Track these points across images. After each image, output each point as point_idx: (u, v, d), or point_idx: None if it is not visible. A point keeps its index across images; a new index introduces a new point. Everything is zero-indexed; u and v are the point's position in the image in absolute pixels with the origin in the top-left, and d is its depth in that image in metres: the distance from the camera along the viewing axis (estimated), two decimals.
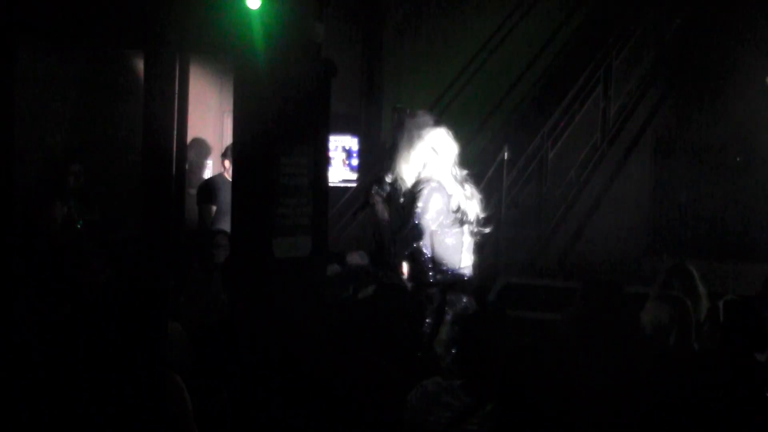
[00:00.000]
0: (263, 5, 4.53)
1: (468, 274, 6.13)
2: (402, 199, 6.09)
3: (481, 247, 6.36)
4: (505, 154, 9.87)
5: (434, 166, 6.03)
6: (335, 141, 10.40)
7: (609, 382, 3.47)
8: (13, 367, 4.14)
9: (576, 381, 3.34)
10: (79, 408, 3.74)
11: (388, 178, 6.14)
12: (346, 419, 2.98)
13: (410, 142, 6.07)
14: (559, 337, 4.43)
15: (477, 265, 6.22)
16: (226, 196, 7.36)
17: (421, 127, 6.11)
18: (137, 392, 3.78)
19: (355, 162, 10.79)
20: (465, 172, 6.19)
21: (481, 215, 6.16)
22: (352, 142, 10.75)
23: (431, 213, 5.94)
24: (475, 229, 6.13)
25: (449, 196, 6.02)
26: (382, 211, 6.08)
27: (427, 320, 5.93)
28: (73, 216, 7.92)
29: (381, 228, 6.06)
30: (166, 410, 3.88)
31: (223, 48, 4.94)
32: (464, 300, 6.02)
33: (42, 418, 3.82)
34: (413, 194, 6.00)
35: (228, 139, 8.56)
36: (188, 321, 5.99)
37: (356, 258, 5.86)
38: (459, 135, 10.76)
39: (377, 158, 11.02)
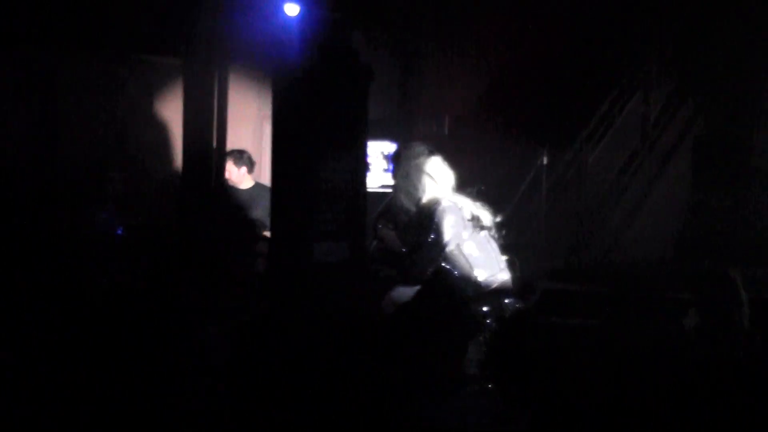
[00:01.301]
0: (301, 13, 4.56)
1: (506, 278, 6.13)
2: (409, 226, 6.16)
3: (516, 253, 6.35)
4: (544, 159, 9.84)
5: (433, 192, 6.12)
6: (374, 146, 10.41)
7: (648, 390, 3.44)
8: (53, 371, 4.18)
9: (613, 388, 3.32)
10: (116, 410, 3.77)
11: (389, 213, 6.22)
12: (385, 420, 2.98)
13: (408, 173, 6.15)
14: (596, 345, 4.40)
15: (516, 266, 6.22)
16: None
17: (416, 157, 6.20)
18: (174, 394, 3.80)
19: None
20: (469, 190, 6.24)
21: (495, 219, 6.21)
22: (391, 148, 10.75)
23: (448, 232, 6.01)
24: (495, 234, 6.17)
25: (460, 209, 6.08)
26: (394, 240, 6.14)
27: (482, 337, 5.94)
28: (112, 222, 7.98)
29: (397, 257, 6.12)
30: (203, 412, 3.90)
31: (261, 55, 4.97)
32: (512, 305, 6.03)
33: (75, 420, 3.85)
34: (423, 216, 6.06)
35: (267, 147, 8.60)
36: (227, 324, 6.02)
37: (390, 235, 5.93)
38: (497, 140, 10.81)
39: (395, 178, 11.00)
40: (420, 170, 6.14)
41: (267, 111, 8.62)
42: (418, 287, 6.18)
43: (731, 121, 12.16)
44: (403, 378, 3.06)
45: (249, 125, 9.89)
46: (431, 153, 6.23)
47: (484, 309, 6.00)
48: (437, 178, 6.15)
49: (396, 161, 6.22)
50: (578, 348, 3.69)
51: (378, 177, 10.52)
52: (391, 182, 10.48)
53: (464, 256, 6.03)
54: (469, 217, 6.09)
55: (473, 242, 6.04)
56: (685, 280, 8.93)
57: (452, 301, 5.93)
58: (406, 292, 6.23)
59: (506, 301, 6.03)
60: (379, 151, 10.60)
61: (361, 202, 4.87)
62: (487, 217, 6.14)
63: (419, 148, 6.27)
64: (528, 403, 3.64)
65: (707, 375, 3.54)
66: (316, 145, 4.59)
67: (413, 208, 6.14)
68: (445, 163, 6.25)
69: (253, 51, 5.71)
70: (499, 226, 6.24)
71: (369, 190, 5.50)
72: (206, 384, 4.02)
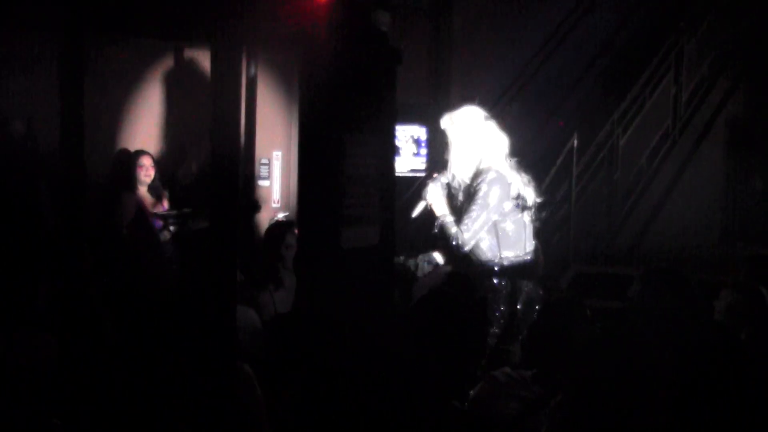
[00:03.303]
0: None
1: (530, 260, 6.08)
2: (461, 195, 6.08)
3: (547, 235, 6.32)
4: (575, 142, 9.77)
5: (488, 158, 6.01)
6: (403, 131, 10.38)
7: (676, 372, 3.41)
8: (87, 359, 4.21)
9: (645, 371, 3.29)
10: (149, 398, 3.79)
11: (444, 178, 6.14)
12: (416, 409, 2.98)
13: (463, 138, 6.06)
14: (628, 327, 4.38)
15: (539, 251, 6.17)
16: None
17: (472, 121, 6.10)
18: (208, 382, 3.81)
19: (423, 152, 10.77)
20: (515, 159, 6.16)
21: (538, 200, 6.13)
22: (420, 132, 10.72)
23: (493, 203, 5.92)
24: (534, 215, 6.10)
25: (509, 185, 5.99)
26: (441, 204, 6.07)
27: (497, 313, 5.91)
28: (144, 208, 8.02)
29: (443, 226, 6.05)
30: (237, 401, 3.91)
31: (289, 39, 4.95)
32: (527, 287, 5.98)
33: (113, 408, 3.87)
34: (472, 187, 5.98)
35: (296, 133, 8.60)
36: (262, 310, 6.03)
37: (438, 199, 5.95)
38: (529, 123, 10.75)
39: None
40: (475, 135, 6.05)
41: (295, 99, 8.65)
42: (443, 276, 6.17)
43: (766, 101, 12.05)
44: (430, 363, 3.06)
45: (278, 113, 9.90)
46: (487, 118, 6.13)
47: (502, 289, 5.97)
48: (492, 145, 6.04)
49: (449, 124, 6.14)
50: (610, 330, 3.67)
51: (407, 161, 10.51)
52: (423, 165, 10.58)
53: (497, 232, 5.97)
54: (515, 194, 5.99)
55: (510, 220, 5.97)
56: (719, 261, 8.89)
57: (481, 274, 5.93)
58: (431, 279, 6.22)
59: (526, 285, 5.98)
60: (408, 136, 10.58)
61: (390, 186, 4.85)
62: (531, 196, 6.05)
63: (476, 112, 6.17)
64: (559, 385, 3.63)
65: (735, 358, 3.50)
66: (344, 129, 4.57)
67: (467, 174, 6.05)
68: (499, 127, 6.14)
69: (280, 35, 5.71)
70: (539, 207, 6.16)
71: (398, 174, 5.48)
72: (238, 372, 4.03)
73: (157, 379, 3.90)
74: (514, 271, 5.97)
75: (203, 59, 9.21)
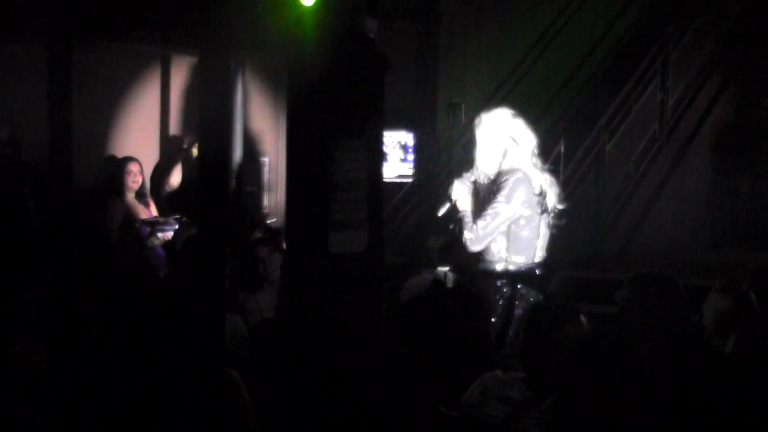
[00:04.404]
0: (317, 1, 4.55)
1: (537, 268, 6.08)
2: (484, 194, 6.08)
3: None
4: (562, 147, 9.80)
5: (515, 157, 6.01)
6: (391, 136, 10.41)
7: (663, 377, 3.42)
8: (74, 365, 4.20)
9: (634, 375, 3.30)
10: (137, 405, 3.78)
11: (471, 175, 6.15)
12: (404, 414, 2.98)
13: (491, 135, 6.07)
14: (616, 331, 4.39)
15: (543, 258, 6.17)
16: None
17: (500, 119, 6.12)
18: (195, 388, 3.81)
19: (410, 157, 10.79)
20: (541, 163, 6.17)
21: (558, 206, 6.12)
22: (407, 138, 10.75)
23: (516, 203, 5.92)
24: (552, 221, 6.07)
25: (533, 187, 5.97)
26: (465, 200, 6.09)
27: (493, 319, 5.91)
28: (131, 214, 8.01)
29: (463, 222, 6.06)
30: (225, 407, 3.91)
31: (277, 45, 4.96)
32: (531, 293, 5.98)
33: (100, 415, 3.86)
34: (496, 185, 5.98)
35: (284, 139, 8.60)
36: (249, 315, 6.04)
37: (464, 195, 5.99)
38: None
39: (432, 153, 11.02)
40: (503, 133, 6.06)
41: (283, 103, 8.66)
42: (430, 277, 6.18)
43: (754, 105, 12.11)
44: (422, 368, 3.06)
45: (267, 120, 9.92)
46: (514, 116, 6.15)
47: (502, 294, 5.97)
48: (519, 143, 6.05)
49: (479, 124, 6.17)
50: (599, 334, 3.68)
51: (395, 167, 10.53)
52: (411, 171, 10.59)
53: (509, 235, 5.95)
54: (538, 193, 5.97)
55: (527, 225, 5.95)
56: (706, 266, 8.92)
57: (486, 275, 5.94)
58: (416, 285, 6.23)
59: (521, 288, 5.98)
60: (395, 141, 10.60)
61: (378, 192, 4.85)
62: (552, 200, 6.03)
63: (503, 110, 6.20)
64: (550, 389, 3.64)
65: (721, 362, 3.52)
66: (332, 134, 4.57)
67: (492, 172, 6.06)
68: (529, 127, 6.16)
69: (268, 41, 5.72)
70: (559, 214, 6.12)
71: (385, 180, 5.48)
72: (226, 378, 4.02)
73: (145, 385, 3.89)
74: (520, 278, 5.96)
75: (191, 65, 9.22)
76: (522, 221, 5.93)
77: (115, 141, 9.22)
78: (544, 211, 5.99)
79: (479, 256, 6.04)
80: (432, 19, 11.16)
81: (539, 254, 6.04)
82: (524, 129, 6.09)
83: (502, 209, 5.87)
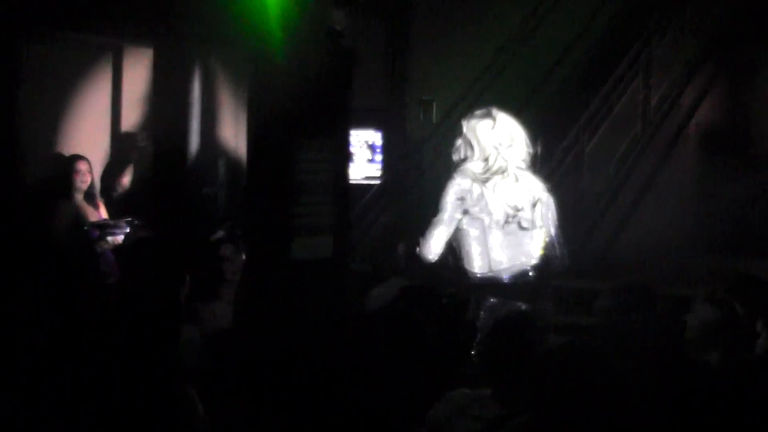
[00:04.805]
0: None
1: (498, 276, 6.11)
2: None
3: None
4: (538, 148, 9.83)
5: (467, 164, 6.10)
6: (358, 136, 10.40)
7: (642, 390, 3.45)
8: (17, 374, 4.17)
9: (613, 389, 3.32)
10: (84, 417, 3.76)
11: (461, 179, 6.24)
12: (369, 426, 2.99)
13: (474, 138, 6.16)
14: (595, 343, 4.41)
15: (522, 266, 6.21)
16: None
17: (465, 120, 6.21)
18: (146, 404, 3.79)
19: (378, 158, 10.78)
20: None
21: (553, 211, 6.21)
22: (375, 137, 10.74)
23: (445, 209, 6.01)
24: (527, 226, 6.11)
25: (468, 189, 6.03)
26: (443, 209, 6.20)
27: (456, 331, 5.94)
28: (79, 216, 7.96)
29: None
30: (178, 424, 3.89)
31: (238, 38, 4.95)
32: (495, 305, 6.01)
33: (46, 427, 3.84)
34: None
35: (243, 138, 8.58)
36: (203, 325, 6.01)
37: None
38: None
39: (401, 154, 11.02)
40: (460, 135, 6.15)
41: (244, 99, 8.63)
42: (397, 286, 6.20)
43: (741, 105, 12.21)
44: (388, 381, 3.06)
45: (225, 118, 9.88)
46: (483, 116, 6.20)
47: (480, 307, 6.00)
48: (476, 146, 6.11)
49: (464, 125, 6.25)
50: (576, 346, 3.70)
51: (361, 168, 10.51)
52: (378, 172, 10.59)
53: (463, 242, 6.01)
54: (472, 199, 6.02)
55: (470, 229, 6.01)
56: (691, 273, 8.97)
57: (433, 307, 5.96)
58: (384, 293, 6.24)
59: (494, 300, 6.01)
60: (362, 141, 10.59)
61: (344, 194, 4.86)
62: (503, 206, 6.07)
63: (476, 111, 6.26)
64: (522, 405, 3.65)
65: (703, 375, 3.55)
66: (296, 134, 4.57)
67: (476, 174, 6.15)
68: (501, 128, 6.19)
69: (228, 34, 5.70)
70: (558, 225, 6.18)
71: (352, 182, 5.50)
72: (179, 392, 4.01)
73: (89, 401, 3.87)
74: (480, 287, 6.00)
75: (145, 59, 9.17)
76: (466, 228, 6.01)
77: (62, 138, 9.16)
78: (485, 213, 6.05)
79: (439, 266, 6.10)
80: (403, 14, 11.17)
81: (490, 261, 6.09)
82: (485, 131, 6.15)
83: (438, 216, 5.98)
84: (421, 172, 10.82)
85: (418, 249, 6.06)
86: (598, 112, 10.97)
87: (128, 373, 3.83)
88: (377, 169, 10.80)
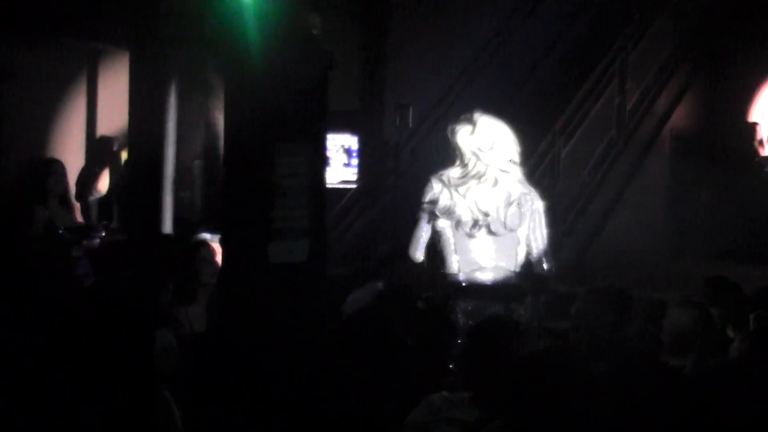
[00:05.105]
0: None
1: (472, 279, 6.15)
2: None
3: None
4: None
5: (450, 168, 6.20)
6: (334, 140, 10.39)
7: (618, 393, 3.46)
8: None
9: (588, 393, 3.33)
10: (60, 422, 3.74)
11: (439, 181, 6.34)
12: (344, 430, 2.98)
13: (456, 142, 6.25)
14: (570, 347, 4.42)
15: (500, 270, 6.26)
16: None
17: (455, 127, 6.30)
18: (122, 408, 3.78)
19: (354, 162, 10.78)
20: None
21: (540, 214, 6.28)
22: (351, 141, 10.74)
23: (421, 209, 6.13)
24: (502, 229, 6.17)
25: (439, 192, 6.12)
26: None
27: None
28: (54, 220, 7.91)
29: None
30: (153, 425, 3.88)
31: (213, 40, 4.93)
32: (461, 308, 6.05)
33: (22, 428, 3.82)
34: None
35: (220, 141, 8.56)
36: (179, 329, 6.00)
37: None
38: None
39: (378, 158, 11.03)
40: (448, 141, 6.25)
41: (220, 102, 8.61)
42: (374, 291, 6.22)
43: (715, 110, 12.28)
44: (366, 386, 3.06)
45: (201, 121, 9.86)
46: (463, 121, 6.27)
47: (461, 309, 6.04)
48: (457, 152, 6.21)
49: (449, 131, 6.33)
50: (552, 350, 3.70)
51: (337, 172, 10.51)
52: (355, 176, 10.58)
53: (436, 244, 6.10)
54: (444, 204, 6.10)
55: (440, 231, 6.10)
56: (666, 278, 9.01)
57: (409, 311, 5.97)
58: (361, 297, 6.26)
59: (468, 304, 6.04)
60: (339, 145, 10.58)
61: (321, 198, 4.85)
62: (466, 210, 6.13)
63: (460, 117, 6.34)
64: (500, 409, 3.65)
65: (678, 379, 3.57)
66: (272, 137, 4.56)
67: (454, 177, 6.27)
68: (482, 132, 6.26)
69: (203, 36, 5.68)
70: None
71: (328, 186, 5.49)
72: (155, 397, 4.00)
73: (68, 405, 3.85)
74: (463, 292, 6.05)
75: (121, 61, 9.13)
76: (440, 232, 6.11)
77: (37, 142, 9.11)
78: (452, 218, 6.13)
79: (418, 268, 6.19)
80: (380, 17, 11.17)
81: (469, 265, 6.15)
82: (464, 137, 6.22)
83: (416, 219, 6.11)
84: (398, 176, 10.82)
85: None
86: (574, 117, 11.00)
87: (104, 376, 3.81)
88: (353, 173, 10.80)
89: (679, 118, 12.20)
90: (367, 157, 10.89)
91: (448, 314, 6.00)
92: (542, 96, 11.97)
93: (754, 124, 12.59)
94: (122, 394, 3.75)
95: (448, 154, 6.38)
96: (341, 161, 10.74)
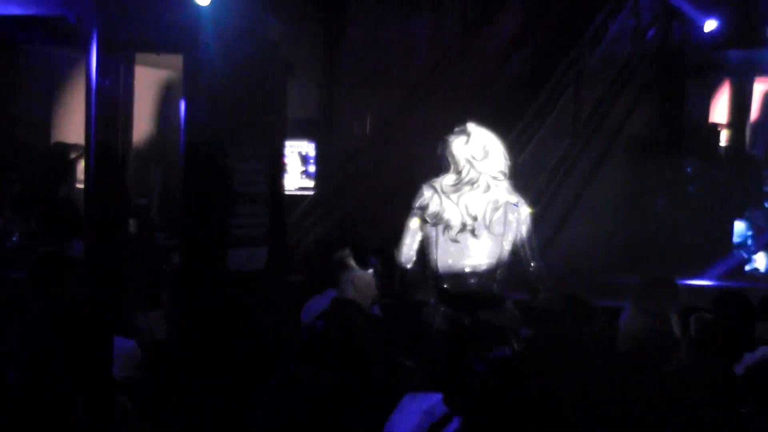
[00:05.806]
0: (213, 1, 4.51)
1: (445, 283, 6.28)
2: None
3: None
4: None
5: (442, 177, 6.35)
6: (291, 146, 10.36)
7: (580, 398, 3.48)
8: None
9: (548, 396, 3.34)
10: (18, 428, 3.70)
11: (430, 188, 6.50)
12: None
13: (448, 152, 6.39)
14: (531, 352, 4.44)
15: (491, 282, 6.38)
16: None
17: (450, 138, 6.47)
18: (80, 417, 3.74)
19: (312, 169, 10.76)
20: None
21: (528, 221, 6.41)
22: (309, 148, 10.72)
23: (411, 214, 6.27)
24: (454, 235, 6.33)
25: (427, 200, 6.30)
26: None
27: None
28: (8, 228, 7.83)
29: None
30: None
31: (171, 46, 4.91)
32: (439, 313, 6.12)
33: None
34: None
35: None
36: (139, 336, 5.95)
37: None
38: (421, 139, 10.83)
39: (335, 165, 11.02)
40: (441, 152, 6.39)
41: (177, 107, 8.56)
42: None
43: (669, 118, 12.39)
44: (328, 392, 3.04)
45: (162, 127, 9.81)
46: (458, 132, 6.46)
47: (441, 314, 6.13)
48: (451, 161, 6.38)
49: (440, 143, 6.50)
50: (511, 355, 3.71)
51: (295, 179, 10.48)
52: (312, 183, 10.56)
53: (427, 250, 6.23)
54: (433, 211, 6.26)
55: (426, 237, 6.22)
56: (621, 286, 9.06)
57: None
58: (320, 305, 6.28)
59: (445, 307, 6.12)
60: (296, 152, 10.56)
61: (280, 205, 4.84)
62: (456, 216, 6.29)
63: (455, 129, 6.51)
64: (462, 409, 3.66)
65: (637, 383, 3.59)
66: (231, 143, 4.55)
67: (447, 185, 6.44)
68: (475, 142, 6.43)
69: (161, 41, 5.66)
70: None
71: (286, 192, 5.49)
72: (116, 400, 3.97)
73: (24, 412, 3.81)
74: (447, 294, 6.18)
75: (77, 65, 9.06)
76: (427, 236, 6.23)
77: None
78: (441, 223, 6.28)
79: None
80: (338, 22, 11.17)
81: (448, 268, 6.29)
82: (459, 147, 6.42)
83: (406, 225, 6.25)
84: (355, 182, 10.81)
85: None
86: (530, 126, 11.04)
87: (61, 383, 3.78)
88: (310, 180, 10.77)
89: (635, 125, 12.28)
90: (324, 164, 10.87)
91: (422, 318, 6.09)
92: (500, 103, 12.01)
93: (716, 125, 12.76)
94: (80, 401, 3.71)
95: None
96: (298, 168, 10.71)
